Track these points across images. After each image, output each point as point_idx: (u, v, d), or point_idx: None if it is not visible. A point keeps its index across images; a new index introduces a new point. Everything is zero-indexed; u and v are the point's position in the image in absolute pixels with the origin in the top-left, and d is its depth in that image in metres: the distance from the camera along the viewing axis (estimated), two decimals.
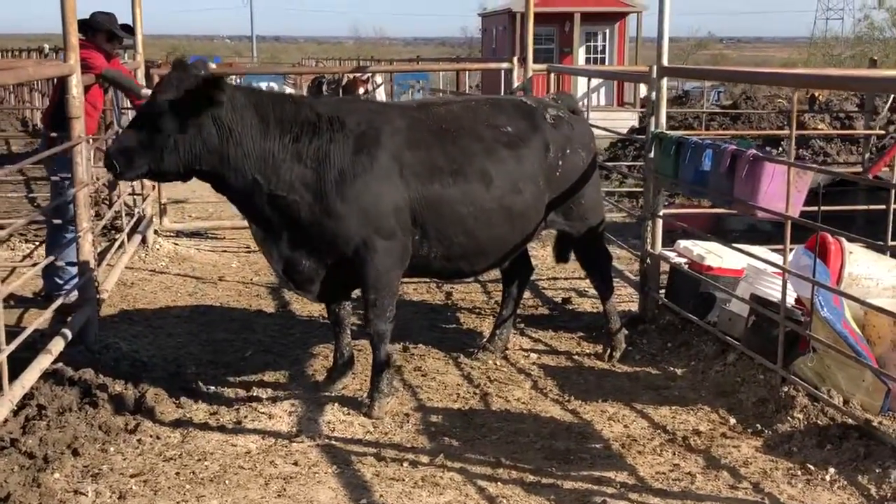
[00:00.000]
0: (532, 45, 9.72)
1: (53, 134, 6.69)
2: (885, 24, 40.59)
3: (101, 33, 7.16)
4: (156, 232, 9.29)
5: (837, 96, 17.03)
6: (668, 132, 6.92)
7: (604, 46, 28.77)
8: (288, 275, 5.38)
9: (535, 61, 9.47)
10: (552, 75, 10.20)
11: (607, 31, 28.67)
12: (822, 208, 8.12)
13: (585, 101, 11.34)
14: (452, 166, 5.41)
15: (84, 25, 7.09)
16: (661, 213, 7.05)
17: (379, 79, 14.97)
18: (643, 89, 17.80)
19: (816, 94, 17.24)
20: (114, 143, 5.57)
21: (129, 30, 7.63)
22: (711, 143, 6.17)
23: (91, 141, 7.48)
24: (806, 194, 5.74)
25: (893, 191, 5.17)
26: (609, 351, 6.31)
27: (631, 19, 28.84)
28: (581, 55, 28.56)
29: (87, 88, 7.07)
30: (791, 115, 5.63)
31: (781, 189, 5.43)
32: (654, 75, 6.75)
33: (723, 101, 25.83)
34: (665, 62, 6.75)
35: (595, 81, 26.04)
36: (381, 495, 4.27)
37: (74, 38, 5.92)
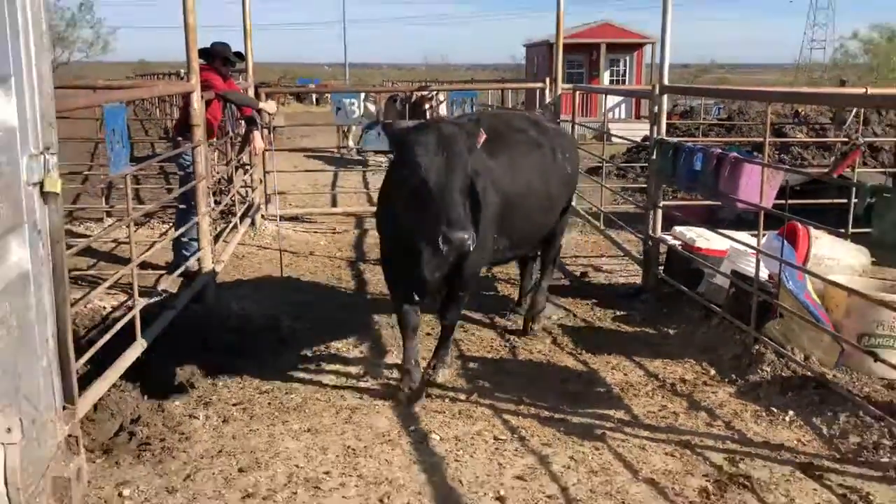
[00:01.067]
0: (561, 69, 9.63)
1: (179, 138, 6.80)
2: (858, 51, 39.34)
3: (218, 59, 7.22)
4: (262, 216, 9.40)
5: (815, 110, 16.53)
6: (667, 138, 6.78)
7: (625, 71, 28.22)
8: (424, 289, 4.70)
9: (567, 83, 9.34)
10: (577, 93, 10.06)
11: (627, 58, 28.12)
12: (801, 202, 7.99)
13: (608, 114, 11.19)
14: (517, 165, 5.09)
15: (205, 53, 7.20)
16: (661, 205, 6.93)
17: (441, 96, 14.91)
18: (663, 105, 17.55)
19: (800, 109, 16.79)
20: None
21: (241, 56, 7.70)
22: (702, 148, 6.06)
23: (211, 144, 7.59)
24: (778, 190, 5.58)
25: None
26: (530, 324, 5.87)
27: (647, 49, 28.27)
28: (606, 78, 28.06)
29: (208, 103, 7.18)
30: (766, 125, 5.49)
31: (757, 185, 5.31)
32: (657, 92, 6.63)
33: (722, 115, 25.27)
34: (665, 82, 6.61)
35: (617, 99, 25.85)
36: (426, 424, 4.29)
37: (195, 63, 6.01)
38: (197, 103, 6.01)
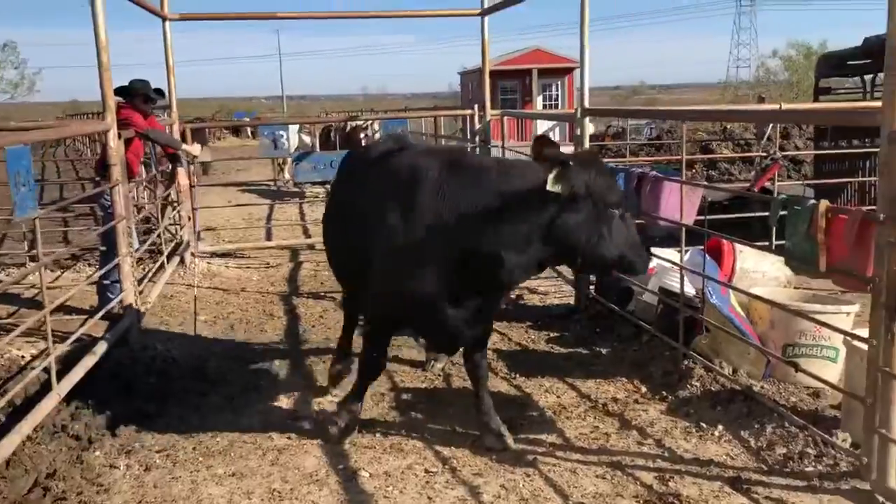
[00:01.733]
0: (489, 96, 9.69)
1: (98, 179, 6.61)
2: (778, 69, 40.80)
3: (139, 96, 7.07)
4: (192, 254, 9.19)
5: (741, 127, 17.00)
6: None
7: (557, 95, 28.77)
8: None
9: (501, 108, 9.41)
10: (508, 119, 10.14)
11: (559, 82, 28.68)
12: (728, 216, 8.14)
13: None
14: None
15: (124, 90, 7.04)
16: None
17: (377, 125, 14.93)
18: (591, 126, 17.87)
19: (727, 126, 17.24)
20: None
21: (161, 93, 7.55)
22: (624, 168, 6.13)
23: (133, 181, 7.40)
24: (699, 206, 5.67)
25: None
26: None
27: (577, 73, 28.86)
28: (539, 102, 28.57)
29: (129, 141, 7.01)
30: (681, 144, 5.58)
31: (677, 203, 5.37)
32: (578, 115, 6.70)
33: (654, 135, 25.83)
34: (587, 105, 6.69)
35: (550, 123, 26.27)
36: (356, 460, 4.18)
37: (111, 101, 5.87)
38: (113, 142, 5.85)
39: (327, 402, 5.03)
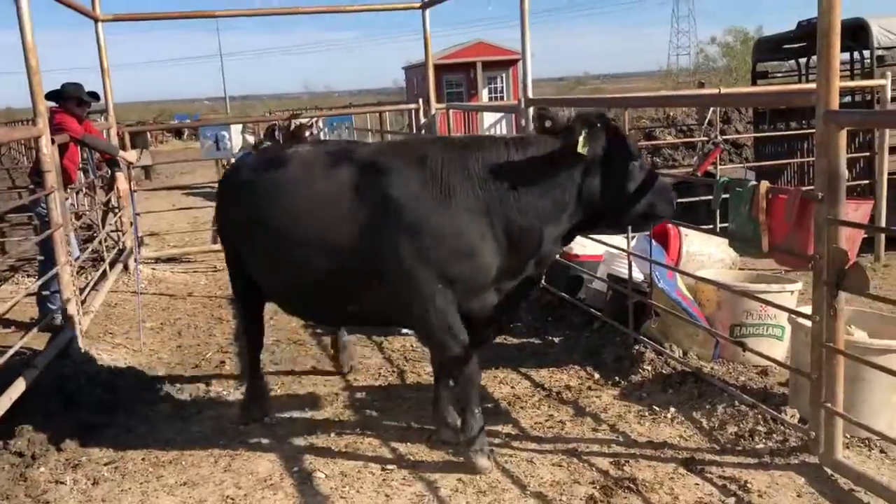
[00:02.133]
0: (433, 90, 9.66)
1: (32, 186, 6.41)
2: (717, 55, 41.55)
3: (72, 100, 6.86)
4: (135, 260, 8.97)
5: (683, 113, 17.26)
6: None
7: (502, 87, 28.83)
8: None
9: (448, 102, 9.38)
10: (455, 112, 10.12)
11: (504, 74, 28.73)
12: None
13: (490, 130, 11.32)
14: None
15: (56, 95, 6.83)
16: None
17: (321, 123, 14.78)
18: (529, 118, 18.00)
19: (670, 112, 17.48)
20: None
21: (95, 96, 7.35)
22: None
23: (72, 189, 7.19)
24: None
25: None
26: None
27: (521, 64, 29.02)
28: (485, 95, 28.58)
29: (64, 147, 6.80)
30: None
31: None
32: (522, 106, 6.71)
33: None
34: (530, 95, 6.71)
35: (497, 115, 26.35)
36: (311, 462, 4.12)
37: (42, 106, 5.66)
38: (47, 148, 5.65)
39: (279, 404, 4.95)
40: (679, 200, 7.84)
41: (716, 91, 7.02)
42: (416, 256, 3.79)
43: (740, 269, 6.30)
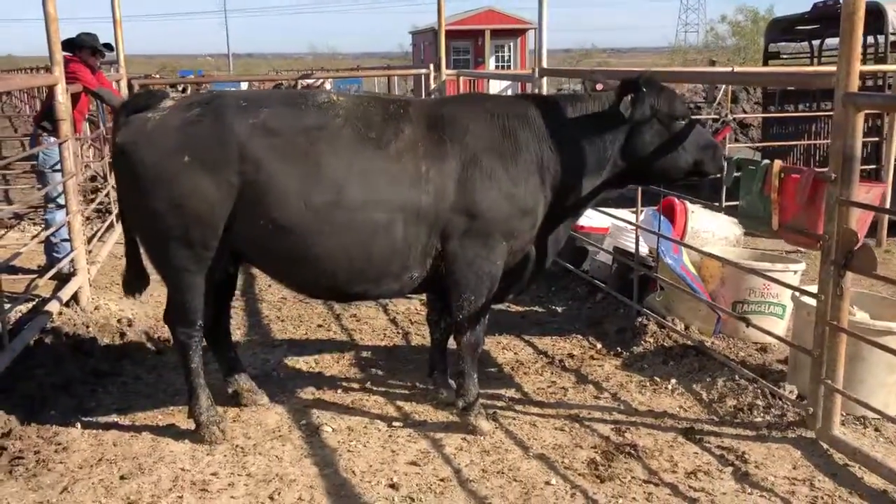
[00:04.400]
0: (444, 56, 9.63)
1: (40, 132, 6.43)
2: (726, 34, 41.26)
3: (86, 50, 6.85)
4: None
5: (690, 90, 17.22)
6: None
7: (510, 56, 28.69)
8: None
9: (454, 69, 9.35)
10: (460, 79, 10.11)
11: (512, 43, 28.59)
12: None
13: None
14: None
15: (71, 44, 6.82)
16: None
17: (328, 85, 14.73)
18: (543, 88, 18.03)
19: (679, 89, 17.44)
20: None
21: (109, 47, 7.32)
22: None
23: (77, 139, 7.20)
24: None
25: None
26: None
27: (530, 34, 28.78)
28: (492, 63, 28.44)
29: (76, 97, 6.81)
30: None
31: None
32: (536, 75, 6.72)
33: None
34: (545, 65, 6.72)
35: (505, 83, 26.23)
36: (318, 417, 4.20)
37: (59, 55, 5.65)
38: (62, 96, 5.66)
39: (288, 359, 5.04)
40: None
41: (729, 69, 7.01)
42: (491, 213, 3.83)
43: (744, 247, 6.36)
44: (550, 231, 4.12)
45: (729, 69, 6.97)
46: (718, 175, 4.22)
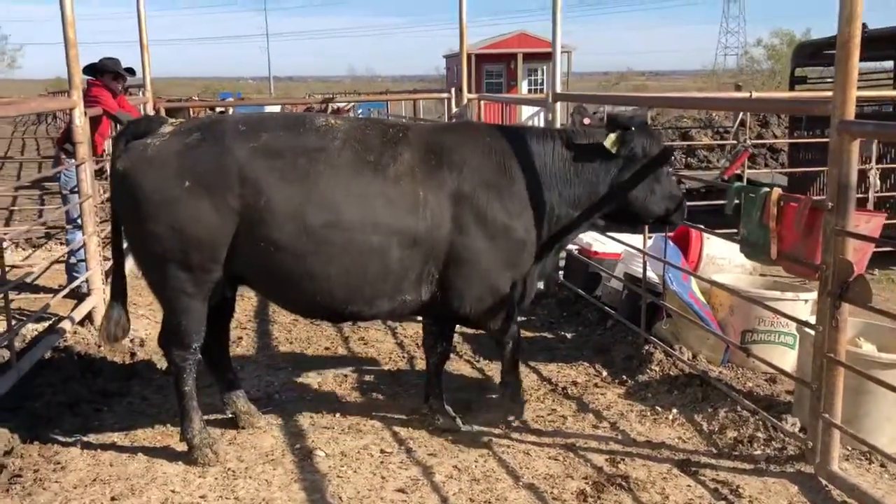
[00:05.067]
0: (466, 77, 9.66)
1: (62, 156, 6.60)
2: (762, 57, 40.89)
3: (108, 74, 7.03)
4: None
5: (721, 115, 17.07)
6: None
7: (542, 80, 28.70)
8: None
9: (488, 92, 9.37)
10: (482, 102, 10.14)
11: (544, 67, 28.57)
12: (704, 203, 8.18)
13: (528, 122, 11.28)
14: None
15: (93, 68, 6.99)
16: None
17: (352, 109, 14.92)
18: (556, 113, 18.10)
19: (713, 114, 17.29)
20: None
21: (132, 71, 7.50)
22: None
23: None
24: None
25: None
26: None
27: (563, 58, 28.85)
28: (524, 87, 28.49)
29: (97, 120, 6.97)
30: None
31: None
32: (550, 100, 6.72)
33: None
34: (558, 90, 6.72)
35: (535, 108, 26.27)
36: (313, 440, 4.21)
37: (77, 78, 5.82)
38: (79, 120, 5.81)
39: (289, 381, 5.06)
40: (708, 203, 7.91)
41: (746, 95, 6.94)
42: (487, 244, 3.95)
43: (761, 274, 6.25)
44: (543, 258, 4.24)
45: (738, 94, 6.89)
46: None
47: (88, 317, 5.84)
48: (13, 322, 4.67)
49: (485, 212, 3.91)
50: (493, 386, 4.98)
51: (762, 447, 3.96)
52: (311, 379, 5.13)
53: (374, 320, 5.54)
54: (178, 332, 3.94)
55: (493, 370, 5.26)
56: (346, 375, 5.20)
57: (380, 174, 3.81)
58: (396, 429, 4.36)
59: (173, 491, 3.71)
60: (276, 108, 17.77)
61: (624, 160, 4.14)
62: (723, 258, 6.34)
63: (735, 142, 8.53)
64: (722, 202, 7.97)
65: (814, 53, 10.50)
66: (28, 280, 6.98)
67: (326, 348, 5.78)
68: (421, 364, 5.44)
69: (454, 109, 9.81)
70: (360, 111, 15.40)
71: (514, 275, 4.10)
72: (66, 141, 6.40)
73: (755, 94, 7.16)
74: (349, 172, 3.78)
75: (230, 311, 4.44)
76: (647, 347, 5.25)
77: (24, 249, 9.08)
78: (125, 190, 3.79)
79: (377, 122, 4.31)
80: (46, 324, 5.80)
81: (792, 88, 10.51)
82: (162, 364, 5.39)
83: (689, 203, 4.89)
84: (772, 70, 37.40)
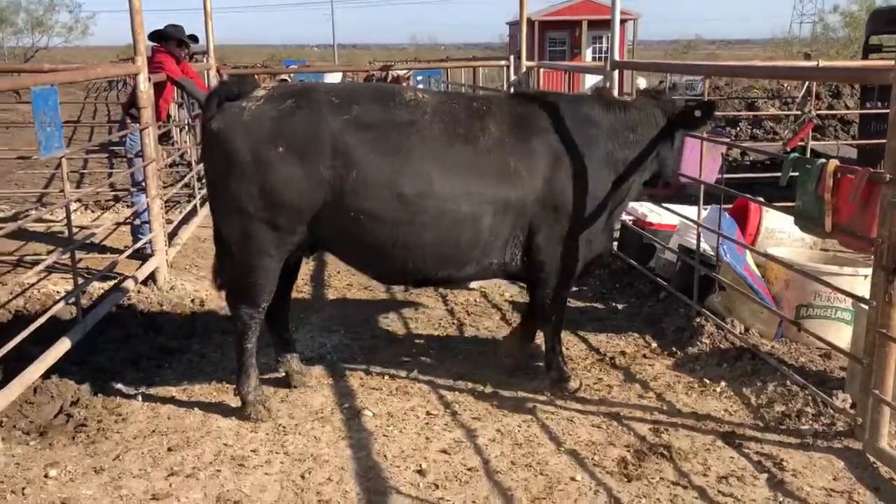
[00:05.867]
0: (525, 47, 9.54)
1: (128, 120, 6.81)
2: (838, 25, 39.21)
3: (172, 41, 7.20)
4: None
5: (790, 85, 16.54)
6: None
7: (607, 47, 28.18)
8: None
9: (551, 60, 9.27)
10: (541, 70, 10.03)
11: (609, 34, 28.08)
12: (768, 175, 8.02)
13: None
14: None
15: (158, 35, 7.17)
16: None
17: (418, 76, 14.88)
18: (642, 81, 17.84)
19: (783, 84, 16.78)
20: None
21: (195, 38, 7.64)
22: None
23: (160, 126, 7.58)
24: (720, 165, 5.62)
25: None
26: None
27: (629, 25, 28.22)
28: (588, 55, 27.99)
29: (162, 86, 7.16)
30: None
31: (698, 160, 5.33)
32: (608, 68, 6.64)
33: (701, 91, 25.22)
34: (616, 57, 6.63)
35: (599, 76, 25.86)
36: (361, 400, 4.33)
37: (142, 44, 5.97)
38: (144, 85, 5.98)
39: (341, 343, 5.19)
40: (772, 175, 7.74)
41: (799, 63, 6.73)
42: (575, 207, 4.18)
43: (822, 249, 6.11)
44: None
45: (813, 64, 6.67)
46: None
47: (151, 276, 6.06)
48: (80, 280, 4.85)
49: (570, 177, 4.14)
50: (540, 354, 5.01)
51: (810, 422, 3.92)
52: (363, 342, 5.25)
53: (460, 283, 5.86)
54: (251, 290, 4.08)
55: (541, 338, 5.27)
56: (396, 340, 5.30)
57: (470, 145, 4.02)
58: (442, 392, 4.45)
59: (226, 444, 3.87)
60: (337, 76, 17.87)
61: (672, 131, 4.42)
62: (782, 232, 6.21)
63: (800, 112, 8.28)
64: (757, 176, 7.92)
65: (891, 20, 10.06)
66: (95, 240, 7.23)
67: (378, 313, 5.88)
68: (469, 331, 5.51)
69: (513, 77, 9.75)
70: (419, 78, 15.39)
71: (591, 238, 4.34)
72: (131, 106, 6.60)
73: (821, 63, 6.94)
74: (441, 145, 3.98)
75: (295, 275, 4.63)
76: (698, 320, 5.21)
77: (92, 211, 9.42)
78: (218, 149, 3.92)
79: (461, 95, 4.60)
80: (111, 283, 6.03)
81: (865, 57, 10.12)
82: (221, 323, 5.58)
83: (752, 175, 4.82)
84: (848, 38, 35.83)
